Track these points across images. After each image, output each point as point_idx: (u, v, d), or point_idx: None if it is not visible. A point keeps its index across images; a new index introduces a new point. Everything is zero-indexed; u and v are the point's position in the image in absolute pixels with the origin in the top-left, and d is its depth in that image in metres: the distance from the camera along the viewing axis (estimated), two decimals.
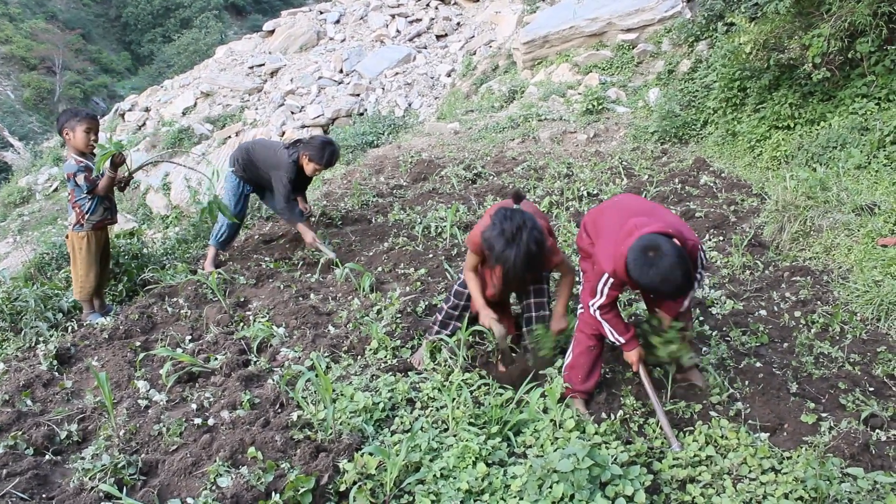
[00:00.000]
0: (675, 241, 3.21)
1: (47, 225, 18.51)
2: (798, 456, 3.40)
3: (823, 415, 3.77)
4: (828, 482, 3.13)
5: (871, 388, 4.01)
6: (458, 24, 22.57)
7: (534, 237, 3.70)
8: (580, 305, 3.93)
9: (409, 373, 4.41)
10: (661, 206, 3.80)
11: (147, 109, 24.20)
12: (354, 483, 3.34)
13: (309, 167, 6.19)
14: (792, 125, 7.81)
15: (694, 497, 3.25)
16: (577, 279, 4.41)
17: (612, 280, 3.43)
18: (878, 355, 4.31)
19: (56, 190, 22.53)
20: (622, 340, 3.67)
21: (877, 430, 3.58)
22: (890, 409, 3.76)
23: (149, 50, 54.19)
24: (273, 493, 3.27)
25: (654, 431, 3.72)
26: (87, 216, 5.39)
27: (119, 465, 3.58)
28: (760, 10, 7.91)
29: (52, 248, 6.90)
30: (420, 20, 22.93)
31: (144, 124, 23.11)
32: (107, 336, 5.24)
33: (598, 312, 3.61)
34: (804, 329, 4.69)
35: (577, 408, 3.91)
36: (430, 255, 6.36)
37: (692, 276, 3.25)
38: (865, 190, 6.03)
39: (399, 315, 5.09)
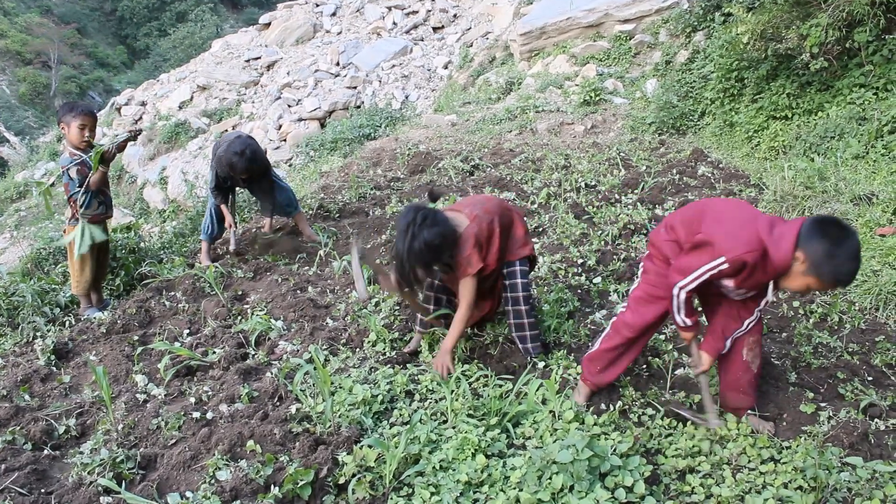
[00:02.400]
0: None
1: (44, 220, 18.47)
2: (797, 445, 3.40)
3: (822, 404, 3.77)
4: (827, 471, 3.13)
5: (870, 378, 4.01)
6: (455, 15, 22.51)
7: (423, 235, 3.77)
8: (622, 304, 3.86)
9: (408, 365, 4.40)
10: None
11: (143, 103, 24.13)
12: (354, 475, 3.34)
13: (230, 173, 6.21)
14: (790, 115, 7.80)
15: (693, 487, 3.25)
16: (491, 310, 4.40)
17: (725, 267, 3.13)
18: (876, 345, 4.31)
19: (53, 185, 22.51)
20: (688, 323, 3.44)
21: (875, 420, 3.57)
22: (889, 399, 3.76)
23: (144, 44, 53.99)
24: (272, 486, 3.26)
25: (652, 422, 3.71)
26: (81, 210, 5.37)
27: (118, 460, 3.57)
28: None
29: (49, 244, 6.87)
30: (416, 12, 22.88)
31: (141, 118, 23.05)
32: (104, 330, 5.24)
33: (682, 293, 3.34)
34: (803, 319, 4.69)
35: (578, 396, 3.88)
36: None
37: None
38: (863, 180, 6.02)
39: (397, 307, 5.09)
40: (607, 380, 3.83)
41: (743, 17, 7.87)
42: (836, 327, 4.57)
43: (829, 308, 4.74)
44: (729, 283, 3.23)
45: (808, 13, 7.28)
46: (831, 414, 3.65)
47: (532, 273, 4.73)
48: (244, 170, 6.01)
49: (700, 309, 3.78)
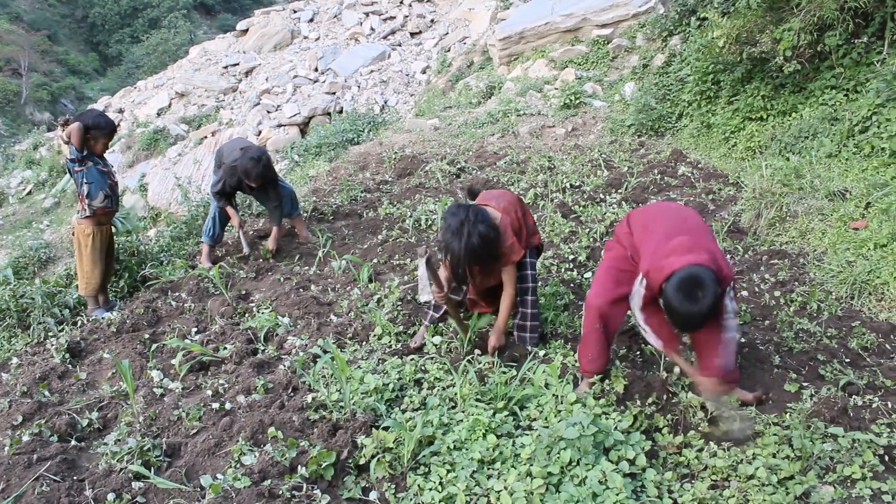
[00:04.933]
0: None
1: (22, 228, 18.42)
2: (783, 420, 3.68)
3: (805, 384, 4.05)
4: (811, 442, 3.41)
5: (848, 360, 4.30)
6: (432, 21, 22.78)
7: (478, 231, 3.95)
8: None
9: (415, 356, 4.62)
10: (708, 230, 3.82)
11: (121, 111, 24.13)
12: (373, 456, 3.56)
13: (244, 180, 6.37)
14: (765, 116, 8.12)
15: (689, 459, 3.51)
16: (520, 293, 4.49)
17: (645, 281, 3.53)
18: (852, 329, 4.60)
19: (30, 193, 22.41)
20: (660, 344, 3.71)
21: (853, 396, 3.86)
22: (865, 378, 4.05)
23: (117, 51, 53.66)
24: (298, 468, 3.48)
25: (647, 405, 3.96)
26: (87, 200, 5.56)
27: (145, 448, 3.76)
28: (732, 5, 8.20)
29: (29, 252, 7.01)
30: (394, 18, 23.11)
31: (119, 125, 22.96)
32: (114, 330, 5.41)
33: (639, 315, 3.69)
34: (784, 307, 4.97)
35: (583, 388, 4.07)
36: (424, 246, 6.57)
37: (711, 315, 3.34)
38: (837, 177, 6.33)
39: (400, 303, 5.31)
40: (601, 366, 4.06)
41: (718, 22, 8.18)
42: (815, 314, 4.86)
43: (808, 297, 5.03)
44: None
45: (780, 18, 7.60)
46: (813, 392, 3.94)
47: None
48: (259, 176, 6.20)
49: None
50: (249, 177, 6.20)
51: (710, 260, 3.33)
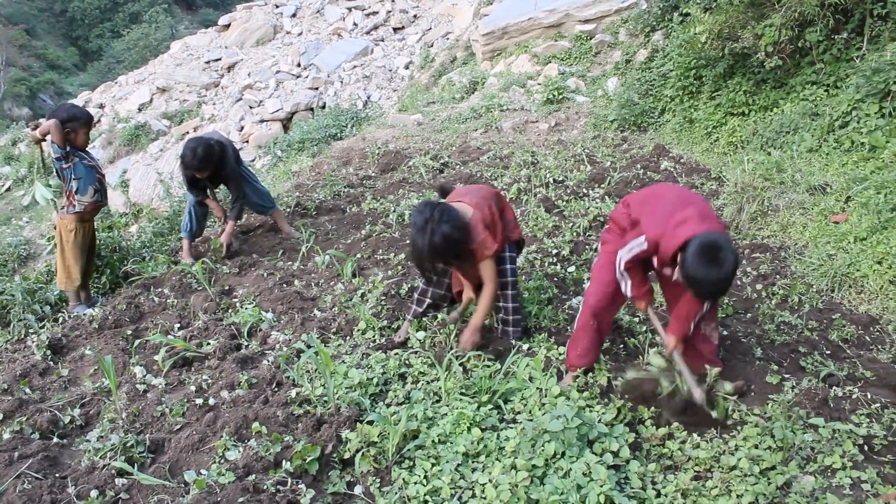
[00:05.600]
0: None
1: (1, 226, 18.26)
2: (765, 412, 3.71)
3: (786, 376, 4.09)
4: (793, 433, 3.45)
5: (828, 352, 4.35)
6: (415, 16, 22.74)
7: (441, 230, 3.98)
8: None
9: (399, 350, 4.62)
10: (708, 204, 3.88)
11: (101, 106, 23.93)
12: (358, 451, 3.56)
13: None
14: (747, 112, 8.18)
15: (672, 451, 3.54)
16: (500, 290, 4.50)
17: (646, 246, 3.54)
18: (833, 322, 4.65)
19: (9, 189, 22.18)
20: (632, 294, 3.81)
21: (834, 388, 3.91)
22: (845, 369, 4.10)
23: (97, 45, 53.10)
24: (282, 462, 3.47)
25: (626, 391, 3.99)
26: (76, 196, 5.51)
27: (128, 444, 3.74)
28: (714, 0, 8.26)
29: (9, 248, 6.95)
30: (377, 13, 23.06)
31: (99, 121, 22.83)
32: (96, 326, 5.37)
33: (621, 263, 3.73)
34: (766, 300, 5.02)
35: (567, 381, 4.08)
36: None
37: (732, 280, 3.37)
38: (817, 171, 6.39)
39: (384, 297, 5.30)
40: (589, 361, 4.09)
41: (700, 18, 8.22)
42: (796, 307, 4.91)
43: (789, 290, 5.08)
44: (655, 261, 3.66)
45: (762, 14, 7.65)
46: (794, 384, 3.98)
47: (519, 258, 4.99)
48: (195, 167, 6.17)
49: (666, 298, 4.11)
50: (188, 167, 6.20)
51: (724, 229, 3.40)
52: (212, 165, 6.25)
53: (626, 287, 3.81)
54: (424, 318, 4.81)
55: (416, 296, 4.84)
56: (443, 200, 4.38)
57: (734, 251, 3.23)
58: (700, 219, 3.39)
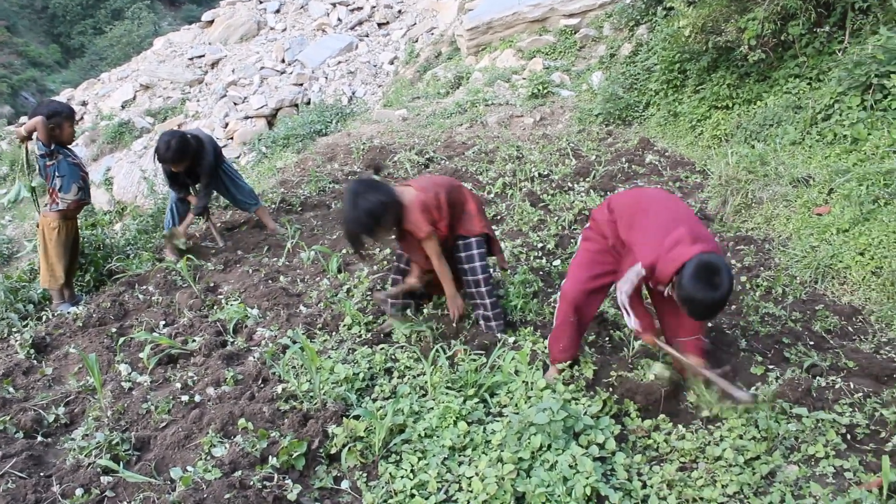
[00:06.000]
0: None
1: None
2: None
3: (770, 366, 4.12)
4: (776, 423, 3.48)
5: (812, 342, 4.38)
6: (400, 11, 22.65)
7: (362, 204, 4.11)
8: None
9: (384, 345, 4.61)
10: (696, 216, 3.81)
11: (84, 103, 23.70)
12: (345, 446, 3.56)
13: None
14: (730, 105, 8.21)
15: (658, 443, 3.56)
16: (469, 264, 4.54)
17: (644, 273, 3.50)
18: (816, 313, 4.69)
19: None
20: (636, 324, 3.73)
21: (817, 378, 3.93)
22: (828, 360, 4.13)
23: (79, 42, 52.68)
24: (269, 458, 3.47)
25: (616, 387, 4.00)
26: (60, 194, 5.48)
27: (113, 442, 3.73)
28: None
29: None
30: (361, 8, 22.95)
31: (82, 118, 22.63)
32: (81, 324, 5.34)
33: (623, 297, 3.67)
34: (750, 292, 5.05)
35: (552, 374, 4.09)
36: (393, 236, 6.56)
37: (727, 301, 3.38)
38: (801, 164, 6.42)
39: (369, 293, 5.30)
40: (572, 355, 4.09)
41: (684, 11, 8.24)
42: (780, 298, 4.94)
43: (773, 282, 5.11)
44: (650, 283, 3.65)
45: (745, 7, 7.67)
46: (779, 374, 4.00)
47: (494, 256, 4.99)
48: (171, 160, 6.16)
49: (657, 308, 4.03)
50: (161, 160, 6.19)
51: (717, 248, 3.38)
52: (187, 158, 6.22)
53: (632, 321, 3.74)
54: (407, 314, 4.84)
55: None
56: (376, 177, 4.49)
57: (730, 272, 3.24)
58: (692, 239, 3.37)
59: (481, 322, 4.67)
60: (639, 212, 3.69)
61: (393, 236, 4.57)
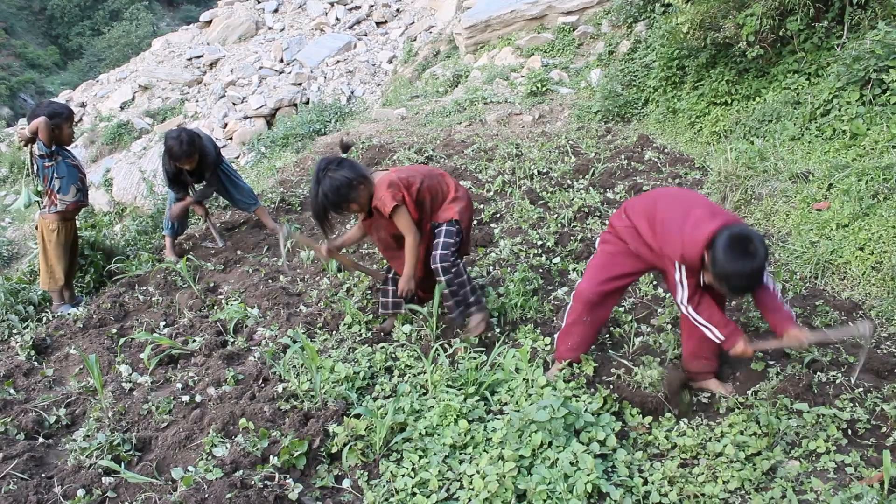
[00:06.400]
0: None
1: None
2: (749, 399, 3.74)
3: (771, 362, 4.11)
4: (777, 418, 3.48)
5: None
6: (398, 10, 22.65)
7: (328, 178, 4.13)
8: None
9: (385, 344, 4.62)
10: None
11: (83, 104, 23.71)
12: (345, 444, 3.56)
13: (174, 164, 6.33)
14: (729, 101, 8.20)
15: (659, 439, 3.56)
16: (438, 242, 4.43)
17: (684, 267, 3.40)
18: (816, 308, 4.68)
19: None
20: (722, 337, 3.49)
21: (818, 373, 3.93)
22: (829, 355, 4.12)
23: (77, 44, 52.70)
24: (270, 458, 3.47)
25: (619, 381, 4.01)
26: (59, 195, 5.48)
27: (114, 443, 3.73)
28: None
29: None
30: (359, 7, 22.94)
31: (81, 120, 22.65)
32: (81, 325, 5.34)
33: (689, 308, 3.49)
34: None
35: (552, 372, 4.08)
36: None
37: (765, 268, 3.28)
38: (800, 159, 6.43)
39: (369, 291, 5.30)
40: (578, 355, 4.06)
41: (682, 8, 8.23)
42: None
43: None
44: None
45: (743, 3, 7.66)
46: (779, 370, 4.00)
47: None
48: (184, 154, 6.16)
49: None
50: (176, 158, 6.19)
51: (739, 220, 3.32)
52: (197, 152, 6.26)
53: (714, 333, 3.49)
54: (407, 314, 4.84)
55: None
56: (344, 155, 4.47)
57: (762, 238, 3.17)
58: (711, 215, 3.32)
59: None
60: (656, 213, 3.60)
61: (359, 213, 4.53)
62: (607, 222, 4.19)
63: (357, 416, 3.76)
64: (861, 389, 3.74)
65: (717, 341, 3.52)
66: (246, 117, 19.12)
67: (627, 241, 3.77)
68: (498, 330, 4.69)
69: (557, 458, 3.27)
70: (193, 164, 6.31)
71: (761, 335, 3.88)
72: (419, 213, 4.40)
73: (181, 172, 6.37)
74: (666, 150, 8.34)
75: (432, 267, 4.39)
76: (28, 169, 5.64)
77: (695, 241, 3.27)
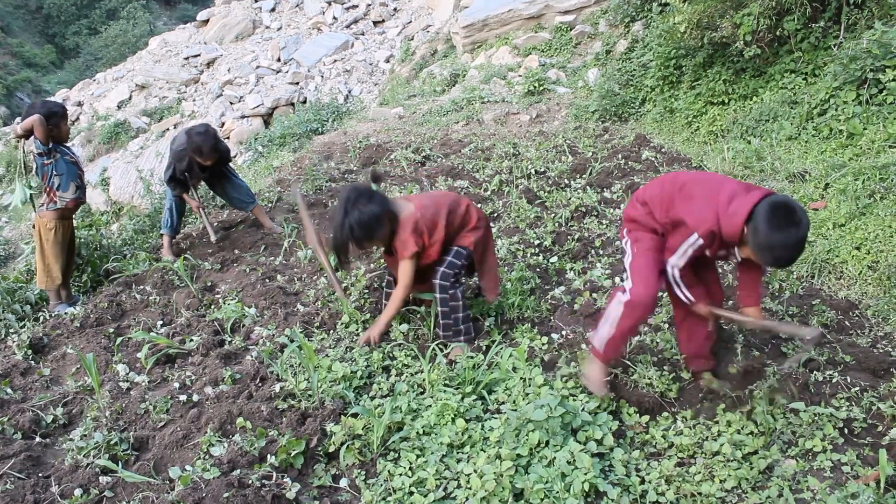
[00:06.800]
0: None
1: None
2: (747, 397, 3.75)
3: (768, 362, 4.11)
4: (773, 418, 3.49)
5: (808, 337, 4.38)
6: (395, 9, 22.68)
7: (357, 215, 4.09)
8: (628, 282, 3.74)
9: (382, 343, 4.61)
10: None
11: (80, 104, 23.71)
12: (343, 444, 3.56)
13: (197, 159, 6.29)
14: (726, 101, 8.23)
15: (656, 438, 3.57)
16: (439, 293, 4.41)
17: (702, 242, 3.32)
18: (813, 307, 4.69)
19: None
20: (692, 299, 3.60)
21: (814, 372, 3.94)
22: (825, 354, 4.13)
23: (74, 43, 52.61)
24: (268, 457, 3.47)
25: (617, 380, 4.02)
26: (58, 192, 5.48)
27: (111, 442, 3.72)
28: None
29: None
30: (356, 6, 22.97)
31: (78, 119, 22.65)
32: (78, 325, 5.33)
33: (675, 271, 3.54)
34: None
35: (599, 373, 3.82)
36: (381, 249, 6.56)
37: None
38: (797, 159, 6.44)
39: (367, 291, 5.30)
40: (618, 356, 3.97)
41: (679, 7, 8.25)
42: (777, 293, 4.95)
43: (770, 277, 5.12)
44: (708, 252, 3.44)
45: (740, 3, 7.69)
46: (776, 369, 4.00)
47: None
48: (212, 149, 6.17)
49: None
50: (202, 153, 6.17)
51: (773, 191, 3.24)
52: (224, 149, 6.41)
53: (685, 294, 3.59)
54: (406, 311, 4.84)
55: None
56: (374, 186, 4.44)
57: (803, 208, 3.09)
58: (745, 188, 3.26)
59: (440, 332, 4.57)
60: (676, 190, 3.52)
61: (381, 249, 4.55)
62: (621, 219, 4.12)
63: (354, 416, 3.76)
64: (857, 389, 3.75)
65: (688, 302, 3.62)
66: (243, 116, 19.13)
67: (657, 229, 3.66)
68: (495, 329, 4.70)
69: (555, 458, 3.27)
70: (215, 160, 6.33)
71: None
72: (442, 251, 4.39)
73: (192, 168, 6.35)
74: (663, 150, 8.36)
75: (432, 282, 4.41)
76: (20, 166, 5.63)
77: (734, 214, 3.17)
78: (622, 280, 4.22)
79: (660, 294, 4.57)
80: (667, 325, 4.57)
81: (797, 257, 3.14)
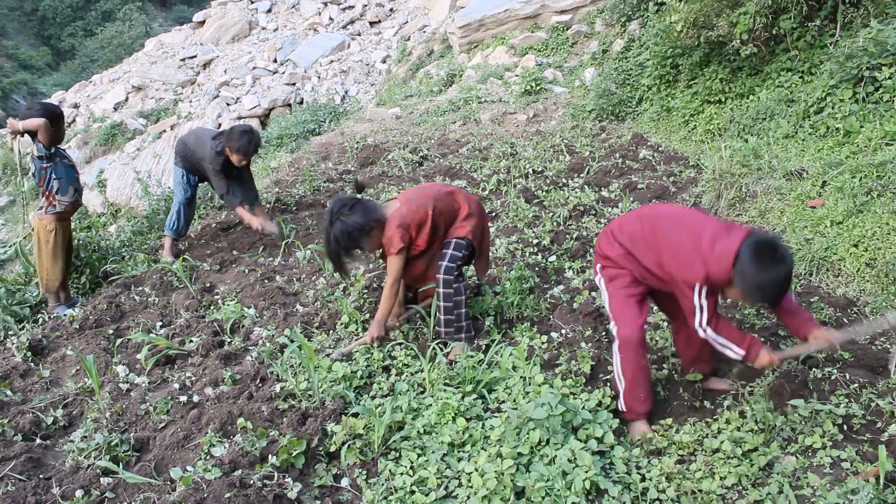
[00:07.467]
0: None
1: None
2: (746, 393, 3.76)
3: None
4: (773, 414, 3.50)
5: None
6: (391, 9, 22.67)
7: (339, 226, 4.21)
8: (612, 325, 3.71)
9: (382, 343, 4.62)
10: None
11: (76, 105, 23.66)
12: (344, 443, 3.57)
13: (234, 158, 6.28)
14: (723, 99, 8.24)
15: (657, 437, 3.58)
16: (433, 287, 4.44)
17: (705, 288, 3.25)
18: (811, 305, 4.71)
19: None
20: (742, 353, 3.35)
21: (813, 369, 3.96)
22: (824, 351, 4.14)
23: (70, 44, 52.52)
24: (269, 457, 3.47)
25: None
26: (57, 196, 5.48)
27: (112, 443, 3.72)
28: None
29: None
30: (353, 7, 22.96)
31: (74, 121, 22.59)
32: (77, 326, 5.33)
33: (708, 331, 3.35)
34: None
35: (642, 430, 3.68)
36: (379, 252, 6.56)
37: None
38: (794, 157, 6.45)
39: (366, 291, 5.31)
40: (652, 402, 3.77)
41: (675, 6, 8.27)
42: None
43: None
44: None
45: (736, 1, 7.70)
46: (775, 367, 4.01)
47: (490, 252, 4.97)
48: (253, 150, 6.33)
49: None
50: (247, 153, 6.29)
51: (752, 229, 3.26)
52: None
53: (735, 351, 3.36)
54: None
55: None
56: (358, 195, 4.56)
57: (782, 240, 3.13)
58: (726, 229, 3.25)
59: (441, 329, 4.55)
60: (658, 238, 3.47)
61: (378, 252, 4.60)
62: (594, 251, 3.94)
63: (355, 415, 3.77)
64: (856, 385, 3.76)
65: (738, 358, 3.39)
66: (240, 118, 19.09)
67: (630, 269, 3.61)
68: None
69: (555, 456, 3.28)
70: (249, 159, 6.44)
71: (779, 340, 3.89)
72: (432, 238, 4.41)
73: (227, 168, 6.37)
74: (660, 149, 8.37)
75: (435, 277, 4.41)
76: (19, 164, 5.63)
77: (720, 258, 3.16)
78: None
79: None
80: (665, 324, 4.58)
81: (787, 292, 3.19)
